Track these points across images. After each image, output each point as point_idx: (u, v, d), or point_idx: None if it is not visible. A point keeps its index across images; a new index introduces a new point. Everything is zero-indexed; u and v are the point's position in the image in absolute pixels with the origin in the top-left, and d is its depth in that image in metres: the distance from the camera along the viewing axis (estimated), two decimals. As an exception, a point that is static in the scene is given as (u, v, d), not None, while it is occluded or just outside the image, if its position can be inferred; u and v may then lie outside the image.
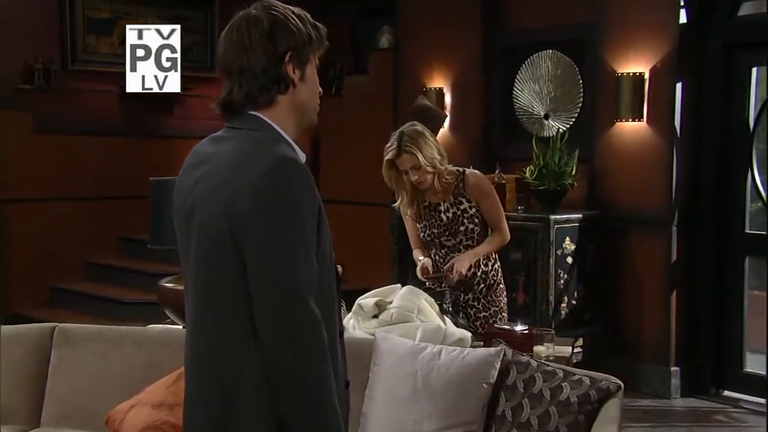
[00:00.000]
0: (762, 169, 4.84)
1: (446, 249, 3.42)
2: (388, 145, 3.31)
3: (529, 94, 5.55)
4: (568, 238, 4.89)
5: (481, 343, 3.06)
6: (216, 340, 1.63)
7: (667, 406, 4.85)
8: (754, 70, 4.93)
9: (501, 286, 3.49)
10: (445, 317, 3.23)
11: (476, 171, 3.46)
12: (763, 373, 4.85)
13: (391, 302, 3.20)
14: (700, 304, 5.02)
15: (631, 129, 5.04)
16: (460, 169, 3.41)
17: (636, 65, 4.98)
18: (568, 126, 5.34)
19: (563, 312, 4.87)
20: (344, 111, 6.72)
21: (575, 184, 4.98)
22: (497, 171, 5.13)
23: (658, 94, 4.93)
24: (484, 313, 3.44)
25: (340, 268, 2.01)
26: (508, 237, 3.42)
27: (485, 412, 2.59)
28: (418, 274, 3.40)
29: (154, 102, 6.25)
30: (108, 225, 6.46)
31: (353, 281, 6.31)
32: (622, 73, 4.99)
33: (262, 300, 1.56)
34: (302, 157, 1.68)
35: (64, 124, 6.35)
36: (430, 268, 3.37)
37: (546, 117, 5.48)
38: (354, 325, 3.24)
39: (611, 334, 5.10)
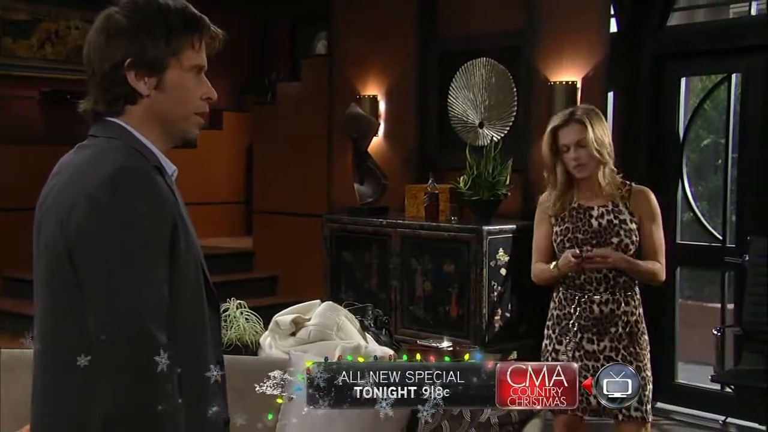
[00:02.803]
0: (692, 180, 4.83)
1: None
2: (556, 117, 2.96)
3: (464, 102, 5.47)
4: (501, 250, 4.80)
5: (404, 361, 2.96)
6: (56, 375, 1.46)
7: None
8: (683, 80, 4.93)
9: (645, 337, 2.94)
10: (367, 334, 3.12)
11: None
12: (697, 384, 4.84)
13: (309, 319, 3.09)
14: (634, 315, 4.97)
15: (565, 138, 4.99)
16: (627, 182, 2.95)
17: (568, 74, 4.93)
18: (502, 135, 5.27)
19: (497, 325, 4.78)
20: (277, 119, 6.55)
21: (509, 194, 4.89)
22: (430, 181, 5.05)
23: (590, 104, 4.83)
24: None
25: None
26: (664, 276, 2.92)
27: (402, 436, 2.46)
28: (569, 258, 2.86)
29: (75, 109, 5.99)
30: (28, 238, 6.14)
31: (286, 294, 6.16)
32: (555, 82, 4.94)
33: (96, 332, 1.37)
34: (170, 168, 1.52)
35: (-22, 131, 6.06)
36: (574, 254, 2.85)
37: (480, 125, 5.40)
38: (271, 344, 3.12)
39: (546, 346, 5.02)
